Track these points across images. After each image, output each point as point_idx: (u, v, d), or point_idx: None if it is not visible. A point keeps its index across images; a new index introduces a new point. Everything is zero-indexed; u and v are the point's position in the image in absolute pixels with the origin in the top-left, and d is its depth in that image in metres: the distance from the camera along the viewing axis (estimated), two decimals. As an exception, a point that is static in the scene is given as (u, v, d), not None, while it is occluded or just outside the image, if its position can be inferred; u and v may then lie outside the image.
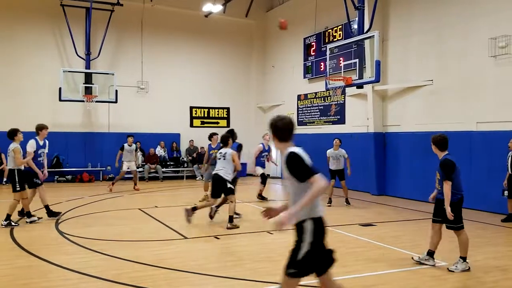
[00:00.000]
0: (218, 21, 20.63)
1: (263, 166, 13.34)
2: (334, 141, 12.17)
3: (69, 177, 17.96)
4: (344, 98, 16.05)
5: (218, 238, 8.07)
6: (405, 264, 6.51)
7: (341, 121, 16.40)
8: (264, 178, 12.92)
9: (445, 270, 6.21)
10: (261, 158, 13.17)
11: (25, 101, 17.43)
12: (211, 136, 12.53)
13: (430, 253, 6.50)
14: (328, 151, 12.20)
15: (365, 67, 12.93)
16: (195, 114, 20.73)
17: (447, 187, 6.16)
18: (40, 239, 7.86)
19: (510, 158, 9.51)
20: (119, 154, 15.38)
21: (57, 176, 17.84)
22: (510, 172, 9.45)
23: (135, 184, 15.62)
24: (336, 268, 6.22)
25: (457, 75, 12.07)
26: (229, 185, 9.05)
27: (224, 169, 9.06)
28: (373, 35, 12.09)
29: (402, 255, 7.02)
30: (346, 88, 13.83)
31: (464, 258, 6.17)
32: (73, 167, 18.11)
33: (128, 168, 15.35)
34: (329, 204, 11.84)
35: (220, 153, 9.32)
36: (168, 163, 19.43)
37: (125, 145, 15.42)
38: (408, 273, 6.10)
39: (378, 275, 6.01)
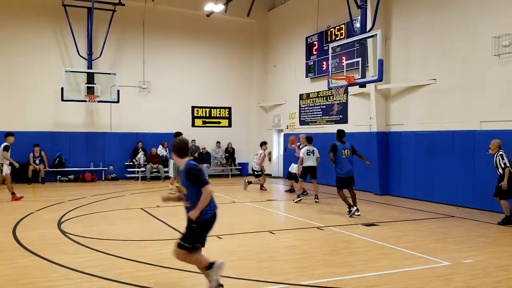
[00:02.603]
0: (220, 21, 20.62)
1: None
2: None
3: (71, 176, 17.97)
4: (347, 97, 16.01)
5: (220, 238, 8.05)
6: (408, 264, 6.48)
7: (344, 120, 16.36)
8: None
9: (449, 270, 6.18)
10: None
11: (28, 101, 17.46)
12: (176, 136, 13.49)
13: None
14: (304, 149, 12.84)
15: (367, 66, 12.87)
16: (197, 113, 20.72)
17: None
18: (43, 239, 7.85)
19: (497, 158, 9.36)
20: (7, 154, 13.27)
21: (60, 176, 17.86)
22: (500, 172, 9.31)
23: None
24: (339, 268, 6.23)
25: (460, 74, 12.02)
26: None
27: None
28: (376, 34, 12.03)
29: (405, 255, 6.98)
30: (349, 87, 13.78)
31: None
32: (75, 167, 18.12)
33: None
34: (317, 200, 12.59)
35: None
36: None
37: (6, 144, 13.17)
38: (411, 273, 6.06)
39: (381, 275, 5.98)
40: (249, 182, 15.25)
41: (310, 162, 12.73)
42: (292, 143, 14.44)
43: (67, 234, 8.22)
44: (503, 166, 9.18)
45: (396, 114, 14.22)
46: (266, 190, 15.20)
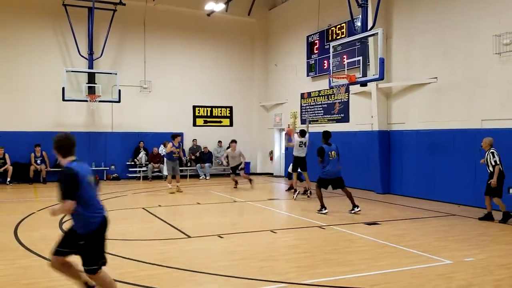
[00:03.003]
0: (221, 20, 20.61)
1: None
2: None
3: (73, 176, 17.94)
4: (348, 96, 15.99)
5: (221, 237, 8.05)
6: (410, 262, 6.47)
7: (345, 119, 16.35)
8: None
9: (450, 269, 6.17)
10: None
11: (29, 102, 17.47)
12: (175, 137, 14.79)
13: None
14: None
15: (369, 64, 12.84)
16: (198, 113, 20.72)
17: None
18: (44, 239, 7.85)
19: (488, 156, 9.47)
20: None
21: (61, 176, 17.83)
22: (491, 170, 9.42)
23: None
24: (341, 267, 6.23)
25: (461, 73, 11.99)
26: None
27: None
28: (377, 33, 12.00)
29: (407, 254, 6.97)
30: (350, 86, 13.75)
31: None
32: (77, 167, 18.09)
33: None
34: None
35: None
36: (172, 162, 19.40)
37: None
38: (413, 271, 6.05)
39: (383, 273, 5.97)
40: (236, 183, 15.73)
41: (301, 153, 13.24)
42: (290, 134, 14.60)
43: (68, 234, 8.21)
44: (493, 163, 9.28)
45: (397, 112, 14.20)
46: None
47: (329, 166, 10.46)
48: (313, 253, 7.06)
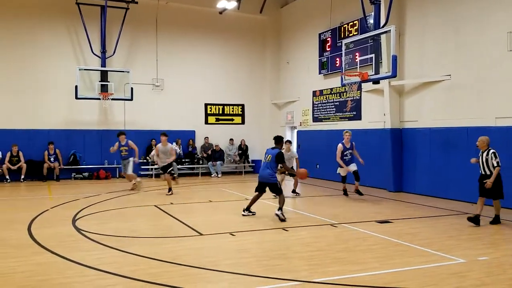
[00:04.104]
0: (233, 18, 20.61)
1: (348, 163, 12.66)
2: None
3: (86, 174, 18.15)
4: (360, 93, 15.89)
5: (233, 235, 8.06)
6: (423, 261, 6.41)
7: (357, 117, 16.25)
8: (356, 174, 12.59)
9: (464, 268, 6.10)
10: (344, 157, 12.54)
11: (42, 100, 17.67)
12: (119, 135, 14.59)
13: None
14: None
15: (381, 62, 12.75)
16: (210, 111, 20.76)
17: None
18: (58, 236, 7.94)
19: (482, 157, 8.94)
20: None
21: (74, 173, 18.04)
22: (482, 172, 8.92)
23: None
24: (353, 265, 6.19)
25: (475, 70, 11.84)
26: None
27: None
28: (390, 30, 11.92)
29: (420, 252, 6.91)
30: (362, 84, 13.68)
31: None
32: (89, 164, 18.30)
33: None
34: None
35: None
36: (184, 160, 19.50)
37: None
38: (426, 270, 6.00)
39: (395, 272, 5.93)
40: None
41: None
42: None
43: (82, 231, 8.30)
44: (495, 164, 8.69)
45: (410, 110, 14.08)
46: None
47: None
48: (324, 251, 7.03)
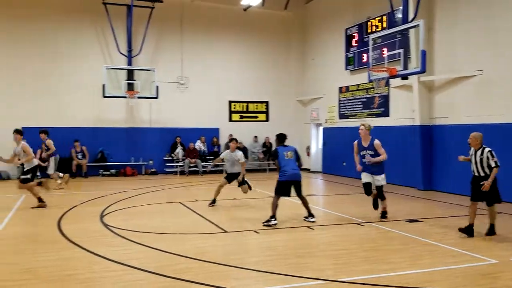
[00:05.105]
0: (257, 14, 20.54)
1: (368, 169, 9.17)
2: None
3: (113, 171, 18.44)
4: (388, 89, 15.59)
5: (257, 233, 8.01)
6: (453, 261, 6.22)
7: (385, 113, 15.96)
8: (368, 189, 9.24)
9: (496, 268, 5.88)
10: (362, 158, 9.22)
11: (71, 98, 18.01)
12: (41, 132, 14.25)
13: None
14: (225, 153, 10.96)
15: (410, 57, 12.50)
16: (234, 108, 20.77)
17: None
18: (85, 231, 8.06)
19: (475, 156, 7.81)
20: None
21: (102, 170, 18.35)
22: (475, 174, 7.81)
23: None
24: (380, 265, 6.05)
25: (509, 64, 11.42)
26: None
27: None
28: (418, 24, 11.66)
29: (450, 252, 6.71)
30: (390, 80, 13.44)
31: None
32: (116, 162, 18.57)
33: None
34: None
35: None
36: (208, 157, 19.58)
37: None
38: (456, 271, 5.81)
39: (424, 272, 5.77)
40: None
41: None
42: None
43: (109, 227, 8.40)
44: (493, 165, 7.63)
45: (440, 106, 13.72)
46: None
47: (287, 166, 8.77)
48: (351, 250, 6.91)
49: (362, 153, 9.21)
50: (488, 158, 7.67)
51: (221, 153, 19.85)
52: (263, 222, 8.59)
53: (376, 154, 8.95)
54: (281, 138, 9.14)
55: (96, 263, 6.18)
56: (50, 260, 6.30)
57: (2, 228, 8.39)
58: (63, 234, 7.84)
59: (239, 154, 10.87)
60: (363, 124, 9.37)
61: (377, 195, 9.24)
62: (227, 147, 20.21)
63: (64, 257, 6.48)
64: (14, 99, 17.32)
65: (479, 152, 7.79)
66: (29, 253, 6.64)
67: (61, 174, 14.41)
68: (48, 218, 9.26)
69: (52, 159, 14.22)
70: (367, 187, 9.25)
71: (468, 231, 7.69)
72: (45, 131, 14.39)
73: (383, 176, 9.11)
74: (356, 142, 9.49)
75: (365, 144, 9.17)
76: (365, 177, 9.22)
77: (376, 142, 9.07)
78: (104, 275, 5.68)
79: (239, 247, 7.22)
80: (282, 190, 8.71)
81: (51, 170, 14.28)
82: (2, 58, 17.29)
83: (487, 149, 7.75)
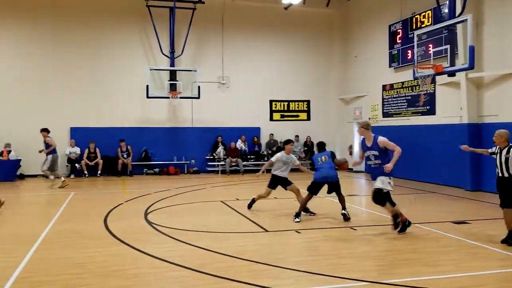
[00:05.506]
0: (298, 13, 20.42)
1: (374, 172, 8.08)
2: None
3: (156, 169, 18.86)
4: (434, 87, 15.11)
5: (299, 232, 7.97)
6: (502, 265, 5.97)
7: (431, 111, 15.47)
8: (378, 198, 7.84)
9: (553, 275, 5.57)
10: (368, 161, 8.16)
11: (116, 99, 18.56)
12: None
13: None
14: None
15: (457, 53, 12.07)
16: (275, 107, 20.74)
17: None
18: (131, 228, 8.29)
19: (500, 155, 7.15)
20: None
21: (146, 169, 18.81)
22: (500, 174, 7.18)
23: None
24: (425, 268, 5.88)
25: None
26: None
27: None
28: (466, 19, 11.23)
29: (499, 256, 6.43)
30: (436, 77, 13.02)
31: None
32: (160, 161, 18.99)
33: None
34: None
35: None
36: (249, 156, 19.67)
37: None
38: (505, 275, 5.58)
39: (471, 276, 5.55)
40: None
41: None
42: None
43: (152, 225, 8.60)
44: None
45: (490, 104, 13.16)
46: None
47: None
48: (395, 251, 6.75)
49: (366, 154, 8.11)
50: None
51: (263, 152, 20.03)
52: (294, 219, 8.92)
53: (382, 153, 7.73)
54: (319, 146, 9.72)
55: (141, 259, 6.34)
56: (98, 255, 6.52)
57: (53, 223, 8.76)
58: (109, 231, 8.10)
59: (294, 157, 10.15)
60: (361, 123, 8.30)
61: (373, 199, 7.88)
62: (268, 145, 20.32)
63: (111, 253, 6.69)
64: (63, 100, 18.02)
65: (504, 151, 7.11)
66: (79, 248, 6.90)
67: (61, 177, 14.61)
68: (95, 215, 9.59)
69: (50, 157, 14.39)
70: (384, 198, 7.81)
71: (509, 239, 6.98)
72: (46, 129, 14.54)
73: (386, 178, 7.68)
74: (360, 142, 8.60)
75: (368, 143, 8.00)
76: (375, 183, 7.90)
77: (380, 138, 7.84)
78: (149, 272, 5.83)
79: (280, 246, 7.21)
80: (313, 188, 9.20)
81: (45, 167, 14.46)
82: (52, 61, 18.02)
83: None
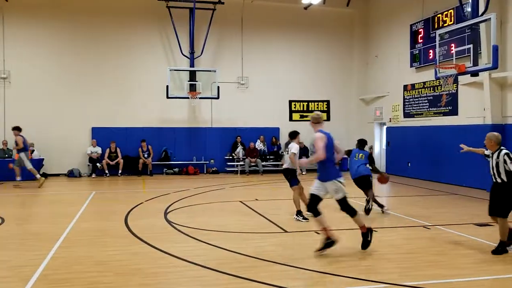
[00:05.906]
0: (318, 12, 20.31)
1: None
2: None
3: (176, 169, 19.00)
4: (457, 87, 14.85)
5: (318, 233, 7.91)
6: (530, 270, 5.81)
7: (454, 112, 15.21)
8: (346, 207, 7.10)
9: None
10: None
11: (136, 99, 18.73)
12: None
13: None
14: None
15: (480, 53, 11.83)
16: (294, 107, 20.67)
17: None
18: (151, 228, 8.36)
19: (503, 158, 6.73)
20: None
21: (166, 169, 18.97)
22: (494, 180, 6.88)
23: None
24: (447, 270, 5.78)
25: None
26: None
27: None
28: (490, 18, 11.00)
29: (527, 260, 6.27)
30: (459, 77, 12.79)
31: None
32: (179, 160, 19.12)
33: None
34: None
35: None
36: (268, 156, 19.65)
37: None
38: (533, 280, 5.43)
39: (494, 279, 5.46)
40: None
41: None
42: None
43: (172, 224, 8.67)
44: (510, 169, 6.61)
45: (514, 104, 12.88)
46: None
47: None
48: (416, 254, 6.65)
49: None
50: (505, 161, 6.65)
51: (282, 152, 19.97)
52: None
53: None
54: (361, 142, 10.28)
55: (161, 258, 6.40)
56: (119, 254, 6.60)
57: (75, 222, 8.91)
58: (129, 230, 8.19)
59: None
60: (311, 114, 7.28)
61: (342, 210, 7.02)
62: (287, 146, 20.22)
63: (131, 251, 6.76)
64: (85, 101, 18.29)
65: (495, 155, 6.86)
66: (100, 247, 7.01)
67: (38, 176, 14.71)
68: (116, 213, 9.72)
69: (22, 154, 14.42)
70: (312, 199, 6.90)
71: (502, 248, 6.61)
72: (17, 127, 14.60)
73: (334, 183, 6.76)
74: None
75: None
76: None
77: (315, 134, 6.94)
78: (169, 270, 5.87)
79: (300, 247, 7.18)
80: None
81: (28, 165, 14.50)
82: (74, 63, 18.32)
83: (504, 151, 6.78)
